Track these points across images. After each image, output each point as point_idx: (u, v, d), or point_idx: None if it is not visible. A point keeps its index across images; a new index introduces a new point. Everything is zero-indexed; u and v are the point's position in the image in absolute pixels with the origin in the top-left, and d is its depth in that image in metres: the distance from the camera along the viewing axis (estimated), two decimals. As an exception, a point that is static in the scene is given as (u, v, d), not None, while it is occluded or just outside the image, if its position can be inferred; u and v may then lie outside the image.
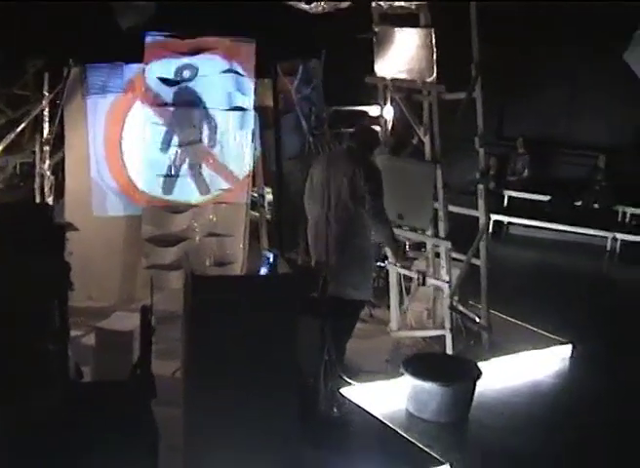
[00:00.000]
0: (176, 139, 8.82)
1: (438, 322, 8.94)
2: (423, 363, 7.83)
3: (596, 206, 16.36)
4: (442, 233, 8.45)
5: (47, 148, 9.05)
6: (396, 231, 8.86)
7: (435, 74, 8.15)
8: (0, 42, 8.68)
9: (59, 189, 9.18)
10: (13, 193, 10.16)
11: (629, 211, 16.23)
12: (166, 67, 8.67)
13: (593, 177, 16.50)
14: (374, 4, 8.55)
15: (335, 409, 6.96)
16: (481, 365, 7.92)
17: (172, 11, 8.65)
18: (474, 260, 8.82)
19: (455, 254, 8.68)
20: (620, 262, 15.15)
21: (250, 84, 8.99)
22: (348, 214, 7.73)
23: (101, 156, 9.11)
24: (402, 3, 8.30)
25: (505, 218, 16.61)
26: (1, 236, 5.28)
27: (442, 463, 6.48)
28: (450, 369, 7.77)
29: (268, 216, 10.65)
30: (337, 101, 11.53)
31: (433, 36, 8.01)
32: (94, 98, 8.98)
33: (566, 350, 9.32)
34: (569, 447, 7.33)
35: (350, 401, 7.31)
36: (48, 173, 9.04)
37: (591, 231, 15.71)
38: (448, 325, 8.48)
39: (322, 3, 8.56)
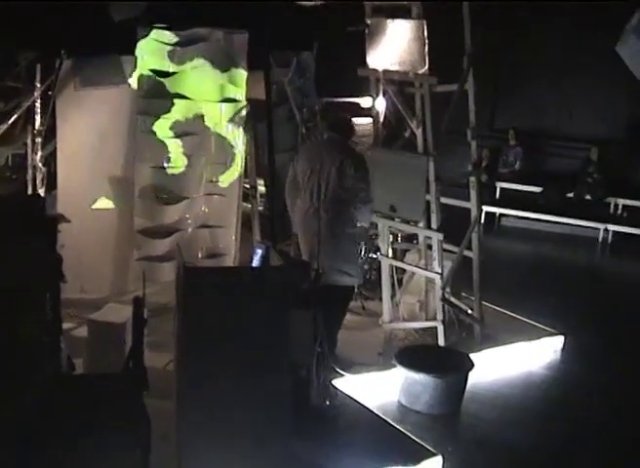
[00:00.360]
0: (169, 131, 8.79)
1: (430, 314, 8.95)
2: (416, 355, 7.85)
3: (588, 197, 16.39)
4: (434, 225, 8.46)
5: (39, 140, 9.01)
6: (389, 223, 8.89)
7: (427, 66, 8.14)
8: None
9: (51, 181, 9.15)
10: (5, 185, 10.13)
11: (621, 202, 16.26)
12: (159, 59, 8.63)
13: (585, 170, 16.51)
14: (366, -5, 8.54)
15: (327, 401, 6.97)
16: (473, 356, 7.95)
17: (165, 3, 8.62)
18: (466, 252, 8.84)
19: (447, 246, 8.68)
20: (611, 254, 15.18)
21: (242, 75, 8.97)
22: (338, 203, 7.83)
23: (94, 148, 9.09)
24: (394, -6, 8.30)
25: (497, 210, 16.62)
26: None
27: (434, 455, 6.49)
28: (442, 360, 7.79)
29: (261, 208, 10.65)
30: (328, 93, 11.52)
31: (425, 28, 8.01)
32: (86, 90, 8.96)
33: (558, 341, 9.35)
34: (562, 438, 7.36)
35: (343, 392, 7.32)
36: (40, 164, 9.01)
37: (583, 223, 15.73)
38: (440, 317, 8.49)
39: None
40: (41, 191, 8.97)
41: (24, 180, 9.25)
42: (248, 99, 9.07)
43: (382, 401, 7.64)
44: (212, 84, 8.86)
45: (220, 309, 5.42)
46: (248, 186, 10.13)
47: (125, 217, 9.11)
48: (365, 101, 10.89)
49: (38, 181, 9.04)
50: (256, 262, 6.33)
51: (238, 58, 8.90)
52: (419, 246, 9.31)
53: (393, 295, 9.05)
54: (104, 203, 9.15)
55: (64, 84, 8.90)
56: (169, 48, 8.64)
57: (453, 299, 8.81)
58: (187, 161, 8.92)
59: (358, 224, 8.12)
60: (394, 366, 7.71)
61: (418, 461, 6.38)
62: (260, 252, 6.36)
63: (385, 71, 8.52)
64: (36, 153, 9.03)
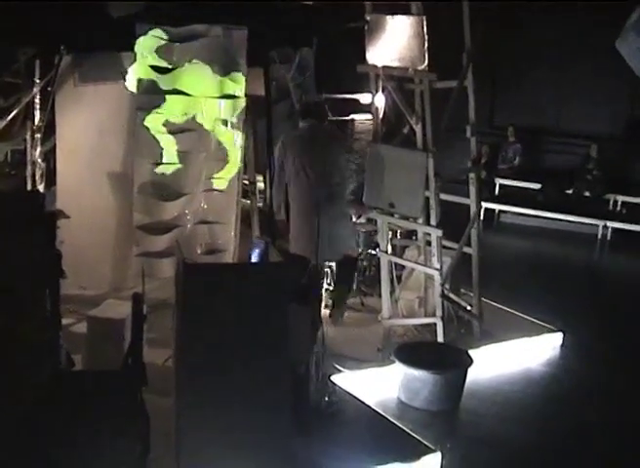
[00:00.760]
0: (168, 127, 8.79)
1: (429, 310, 8.95)
2: (415, 351, 7.86)
3: (587, 194, 16.40)
4: (433, 221, 8.45)
5: (38, 136, 9.02)
6: (388, 219, 8.89)
7: (427, 62, 8.14)
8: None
9: (50, 177, 9.16)
10: (4, 181, 10.14)
11: (620, 199, 16.28)
12: (158, 55, 8.63)
13: (585, 166, 16.51)
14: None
15: (326, 397, 6.98)
16: (472, 353, 7.96)
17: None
18: (466, 248, 8.84)
19: (446, 243, 8.69)
20: (610, 250, 15.19)
21: (241, 72, 8.96)
22: (338, 189, 7.94)
23: (93, 144, 9.09)
24: (394, -9, 8.30)
25: (497, 206, 16.64)
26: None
27: (433, 451, 6.50)
28: (441, 357, 7.80)
29: (260, 204, 10.65)
30: (328, 89, 11.52)
31: (425, 24, 8.00)
32: (85, 86, 8.97)
33: (557, 338, 9.35)
34: (561, 434, 7.37)
35: (342, 389, 7.33)
36: (39, 160, 9.02)
37: (582, 219, 15.74)
38: (439, 313, 8.49)
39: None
40: (40, 187, 8.97)
41: (24, 176, 9.25)
42: (247, 96, 9.07)
43: (382, 397, 7.65)
44: (211, 80, 8.85)
45: (219, 305, 5.42)
46: (247, 182, 10.13)
47: (124, 213, 9.11)
48: (364, 98, 10.90)
49: (37, 177, 9.04)
50: (255, 258, 6.33)
51: (237, 55, 8.89)
52: (418, 242, 9.31)
53: (392, 292, 9.04)
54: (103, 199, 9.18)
55: (64, 80, 8.92)
56: (168, 44, 8.63)
57: (452, 296, 8.81)
58: (186, 157, 8.91)
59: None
60: (393, 362, 7.72)
61: (417, 457, 6.39)
62: (259, 248, 6.36)
63: (385, 67, 8.51)
64: (35, 149, 9.04)
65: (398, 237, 10.10)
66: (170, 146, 8.84)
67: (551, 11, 15.71)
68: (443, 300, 8.49)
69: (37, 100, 9.02)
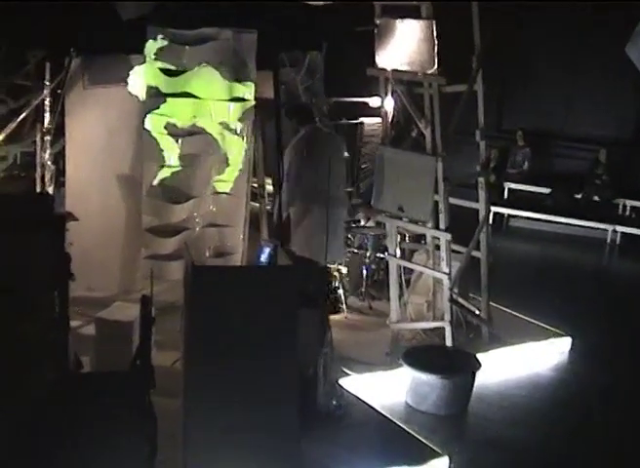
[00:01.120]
0: (177, 130, 8.80)
1: (438, 314, 8.94)
2: (423, 355, 7.85)
3: (597, 199, 16.36)
4: (442, 225, 8.45)
5: (48, 138, 9.03)
6: (397, 223, 8.89)
7: (436, 66, 8.14)
8: (1, 32, 8.67)
9: (59, 179, 9.17)
10: (13, 183, 10.15)
11: (629, 203, 16.24)
12: (167, 58, 8.64)
13: (594, 171, 16.48)
14: (375, -4, 8.54)
15: (334, 401, 6.97)
16: (481, 357, 7.95)
17: (174, 1, 8.63)
18: (474, 253, 8.83)
19: (455, 247, 8.67)
20: (620, 255, 15.16)
21: (251, 75, 8.96)
22: (340, 192, 8.01)
23: (103, 146, 9.11)
24: (404, -5, 8.30)
25: (506, 211, 16.60)
26: (2, 226, 5.28)
27: (441, 455, 6.50)
28: (449, 361, 7.79)
29: (269, 207, 10.65)
30: (337, 93, 11.52)
31: (434, 28, 8.01)
32: (95, 89, 8.98)
33: (565, 343, 9.34)
34: (568, 439, 7.36)
35: (349, 392, 7.33)
36: (49, 162, 9.03)
37: (592, 224, 15.70)
38: (448, 317, 8.48)
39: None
40: (50, 189, 8.98)
41: (33, 178, 9.27)
42: (256, 99, 9.07)
43: (389, 401, 7.64)
44: (220, 83, 8.85)
45: (227, 308, 5.43)
46: (256, 185, 10.13)
47: (133, 216, 9.12)
48: (374, 101, 10.89)
49: (47, 179, 9.05)
50: (263, 261, 6.34)
51: (247, 58, 8.89)
52: (426, 246, 9.30)
53: (401, 296, 9.04)
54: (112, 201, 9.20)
55: (74, 82, 8.93)
56: (178, 47, 8.64)
57: (460, 300, 8.80)
58: (195, 160, 8.92)
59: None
60: (401, 366, 7.71)
61: (424, 461, 6.40)
62: (267, 251, 6.37)
63: (394, 71, 8.52)
64: (45, 151, 9.05)
65: (407, 241, 10.09)
66: (178, 149, 8.84)
67: (560, 15, 15.68)
68: (451, 304, 8.48)
69: (47, 103, 9.04)
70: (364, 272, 10.13)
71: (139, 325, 5.58)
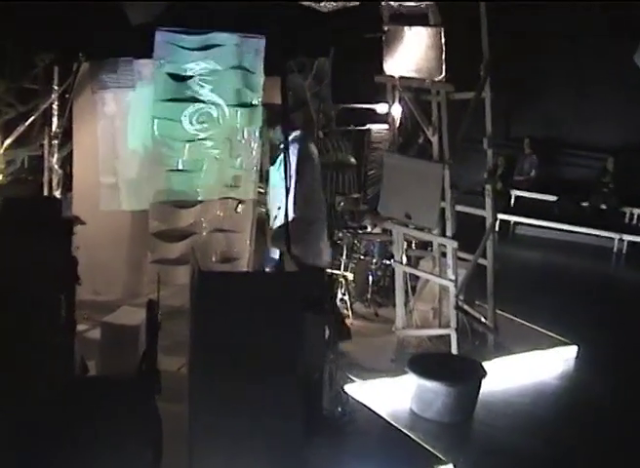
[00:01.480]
0: (184, 135, 8.81)
1: (444, 321, 8.93)
2: (428, 362, 7.85)
3: (603, 207, 16.35)
4: (449, 232, 8.45)
5: (55, 142, 9.04)
6: (403, 230, 8.89)
7: (444, 73, 8.14)
8: (10, 36, 8.70)
9: (66, 183, 9.19)
10: (21, 187, 10.16)
11: (637, 212, 16.23)
12: (175, 63, 8.66)
13: (601, 179, 16.47)
14: (383, 3, 8.54)
15: (339, 407, 6.97)
16: (486, 365, 7.94)
17: (182, 6, 8.65)
18: (481, 260, 8.82)
19: (461, 254, 8.67)
20: (626, 263, 15.13)
21: (259, 80, 8.98)
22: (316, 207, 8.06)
23: (110, 151, 9.13)
24: (412, 3, 8.30)
25: (512, 218, 16.59)
26: (9, 229, 5.29)
27: (446, 463, 6.49)
28: (455, 368, 7.79)
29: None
30: (345, 99, 11.53)
31: (442, 35, 8.01)
32: (103, 93, 9.01)
33: (571, 351, 9.32)
34: (572, 448, 7.34)
35: (354, 399, 7.32)
36: (56, 166, 9.04)
37: (598, 232, 15.68)
38: (453, 324, 8.48)
39: (332, 2, 8.56)
40: (57, 193, 8.99)
41: (41, 182, 9.28)
42: (264, 105, 9.08)
43: (394, 408, 7.64)
44: (228, 88, 8.87)
45: (233, 313, 5.43)
46: (263, 191, 10.14)
47: (140, 220, 9.13)
48: (381, 108, 10.90)
49: (54, 183, 9.06)
50: (270, 267, 6.34)
51: (255, 63, 8.91)
52: (433, 253, 9.30)
53: (407, 302, 9.04)
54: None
55: (82, 86, 8.96)
56: (186, 52, 8.66)
57: (466, 307, 8.79)
58: (203, 165, 8.93)
59: None
60: (406, 373, 7.71)
61: (428, 468, 6.40)
62: (274, 256, 6.37)
63: (402, 78, 8.53)
64: (53, 155, 9.06)
65: (413, 248, 10.09)
66: (185, 154, 8.86)
67: (568, 23, 15.67)
68: (457, 312, 8.47)
69: (55, 107, 9.06)
70: (370, 278, 10.14)
71: (144, 329, 5.58)
